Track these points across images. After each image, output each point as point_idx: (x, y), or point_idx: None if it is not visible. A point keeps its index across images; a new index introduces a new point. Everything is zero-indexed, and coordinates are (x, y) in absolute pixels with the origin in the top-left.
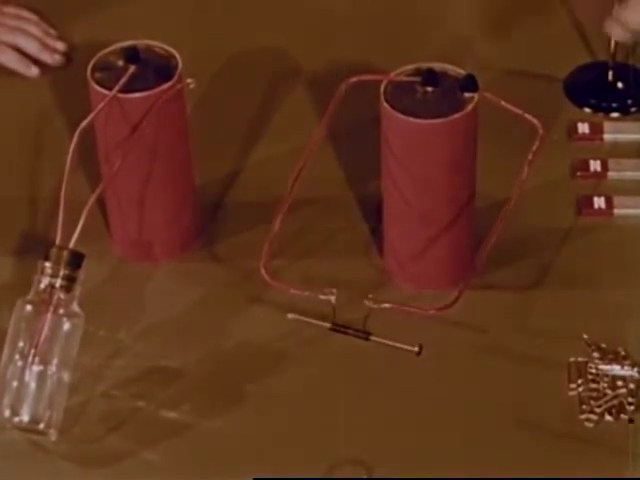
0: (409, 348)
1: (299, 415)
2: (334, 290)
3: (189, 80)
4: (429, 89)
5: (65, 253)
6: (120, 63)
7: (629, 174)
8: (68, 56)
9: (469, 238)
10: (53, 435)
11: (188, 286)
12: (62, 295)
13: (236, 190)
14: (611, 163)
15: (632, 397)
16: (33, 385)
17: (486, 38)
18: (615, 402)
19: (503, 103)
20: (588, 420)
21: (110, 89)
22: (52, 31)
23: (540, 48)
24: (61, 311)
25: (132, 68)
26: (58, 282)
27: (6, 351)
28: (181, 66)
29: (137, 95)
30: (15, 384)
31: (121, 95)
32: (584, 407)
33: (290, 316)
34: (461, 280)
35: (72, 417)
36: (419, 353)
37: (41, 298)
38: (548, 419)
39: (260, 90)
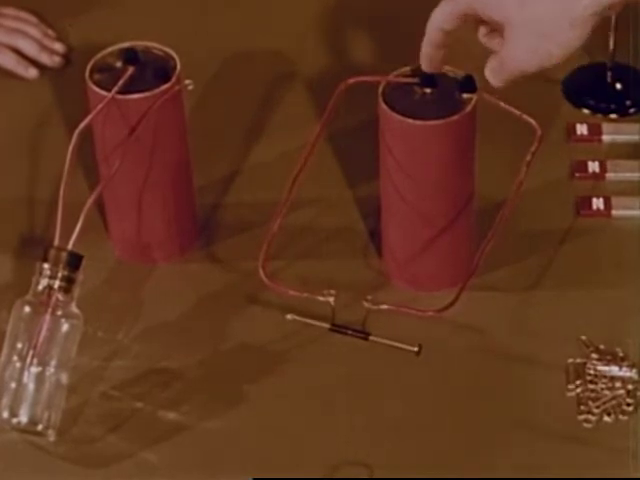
0: (408, 348)
1: (299, 416)
2: (333, 291)
3: (187, 81)
4: (427, 90)
5: (64, 254)
6: (118, 64)
7: (627, 175)
8: (67, 57)
9: (468, 239)
10: (52, 436)
11: (187, 287)
12: (61, 296)
13: (234, 191)
14: (609, 164)
15: (630, 398)
16: (32, 386)
17: None
18: (613, 403)
19: (502, 104)
20: (587, 421)
21: (108, 90)
22: (51, 32)
23: None
24: (59, 312)
25: (130, 69)
26: (57, 283)
27: (4, 352)
28: (179, 67)
29: (135, 96)
30: (13, 385)
31: (119, 96)
32: (582, 408)
33: (289, 317)
34: (460, 281)
35: (71, 418)
36: (418, 353)
37: (40, 299)
38: (546, 420)
39: (258, 91)
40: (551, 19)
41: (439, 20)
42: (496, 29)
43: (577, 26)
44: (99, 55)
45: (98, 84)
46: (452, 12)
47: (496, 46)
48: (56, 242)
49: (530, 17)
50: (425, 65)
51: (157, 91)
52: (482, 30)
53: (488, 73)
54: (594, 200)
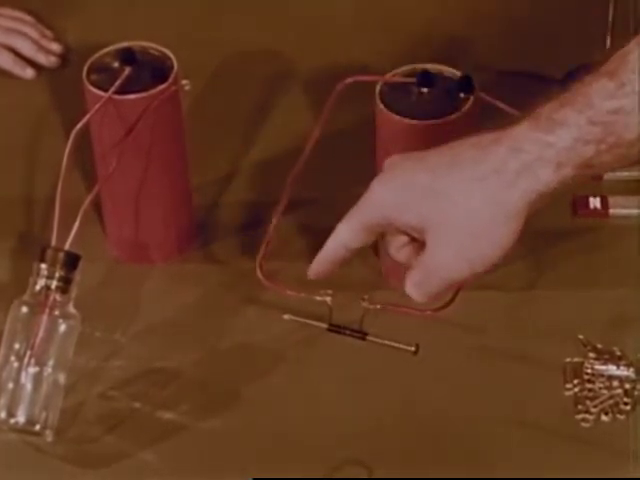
0: (406, 347)
1: (297, 416)
2: (330, 291)
3: (184, 81)
4: (424, 90)
5: (61, 254)
6: (115, 65)
7: (625, 174)
8: (64, 58)
9: None
10: (49, 436)
11: (184, 287)
12: (58, 296)
13: (232, 191)
14: None
15: (628, 397)
16: (29, 387)
17: (482, 39)
18: (611, 402)
19: (499, 104)
20: (584, 420)
21: (106, 91)
22: (48, 32)
23: (537, 48)
24: (57, 312)
25: (128, 70)
26: (54, 283)
27: (2, 352)
28: (176, 67)
29: (132, 96)
30: (11, 386)
31: (116, 97)
32: (580, 407)
33: (287, 317)
34: None
35: (68, 418)
36: (416, 353)
37: (37, 299)
38: (544, 419)
39: (256, 91)
40: (482, 216)
41: (345, 238)
42: (415, 239)
43: (512, 220)
44: (96, 55)
45: (95, 84)
46: (361, 227)
47: (413, 260)
48: (53, 242)
49: (457, 217)
50: (313, 275)
51: (154, 91)
52: (395, 243)
53: (411, 289)
54: (591, 199)
